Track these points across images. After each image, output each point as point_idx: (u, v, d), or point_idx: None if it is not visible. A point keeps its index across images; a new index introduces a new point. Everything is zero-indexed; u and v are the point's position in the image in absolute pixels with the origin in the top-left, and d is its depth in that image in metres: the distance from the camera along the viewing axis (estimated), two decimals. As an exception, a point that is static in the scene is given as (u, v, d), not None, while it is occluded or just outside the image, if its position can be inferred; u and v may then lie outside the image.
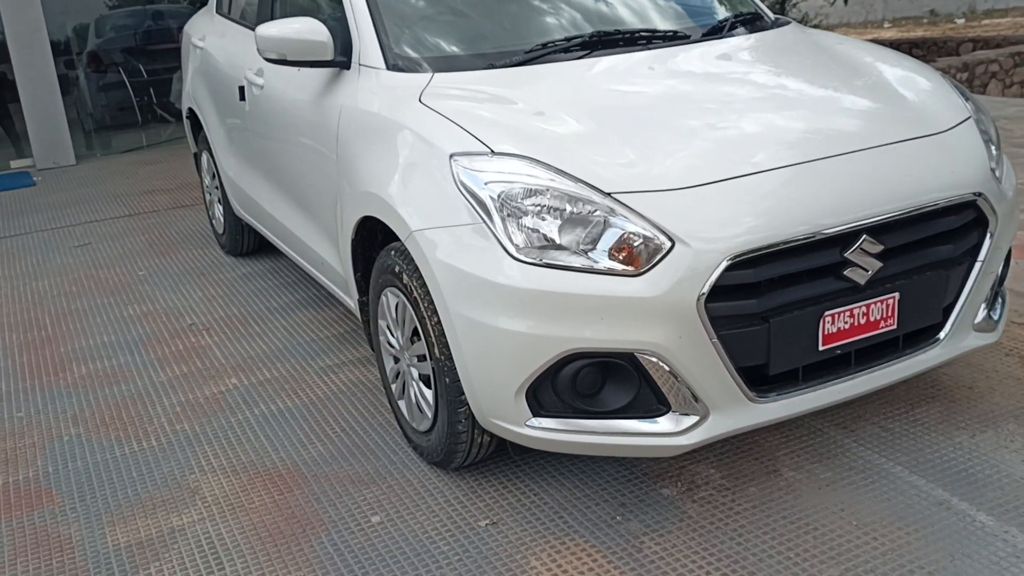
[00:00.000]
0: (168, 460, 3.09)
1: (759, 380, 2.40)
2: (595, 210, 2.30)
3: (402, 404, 2.97)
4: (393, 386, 3.02)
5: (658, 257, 2.25)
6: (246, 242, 5.00)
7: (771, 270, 2.31)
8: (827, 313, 2.38)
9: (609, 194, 2.31)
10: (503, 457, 2.87)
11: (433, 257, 2.47)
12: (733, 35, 3.23)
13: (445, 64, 2.93)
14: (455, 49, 3.06)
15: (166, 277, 4.94)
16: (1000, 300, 2.86)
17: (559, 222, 2.31)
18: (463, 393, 2.55)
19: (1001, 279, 2.81)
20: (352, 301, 3.25)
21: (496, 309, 2.35)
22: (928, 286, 2.52)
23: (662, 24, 3.27)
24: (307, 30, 3.03)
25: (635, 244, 2.27)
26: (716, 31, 3.23)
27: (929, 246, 2.53)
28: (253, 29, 4.09)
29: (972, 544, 2.37)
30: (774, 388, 2.42)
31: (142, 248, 5.52)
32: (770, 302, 2.33)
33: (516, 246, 2.32)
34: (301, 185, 3.53)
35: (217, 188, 4.98)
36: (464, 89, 2.76)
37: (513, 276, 2.32)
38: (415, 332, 2.72)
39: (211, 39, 4.74)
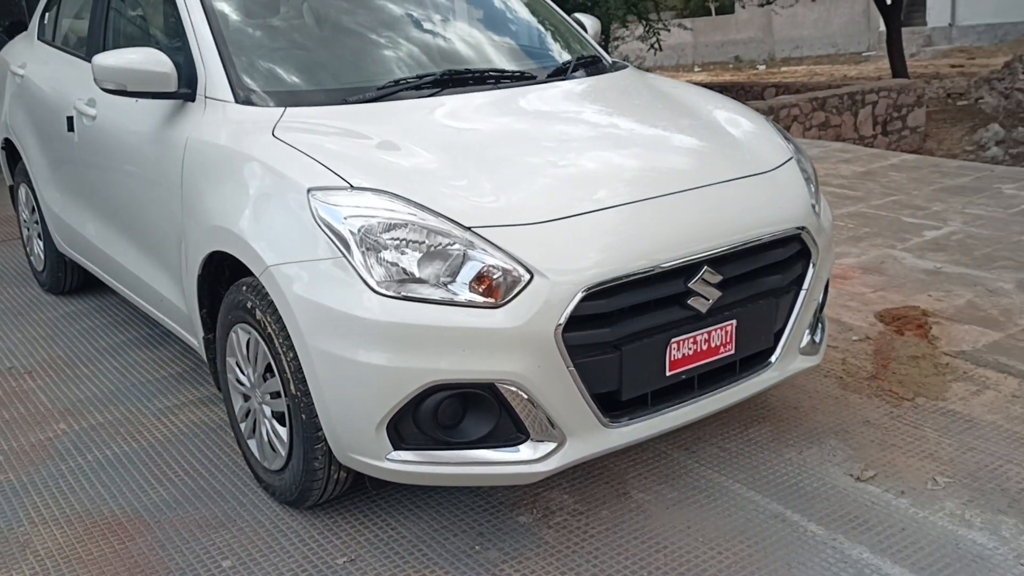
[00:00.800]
0: (-8, 513, 2.88)
1: (612, 406, 2.50)
2: (454, 243, 2.34)
3: (252, 443, 2.89)
4: (242, 425, 2.93)
5: (517, 289, 2.32)
6: (69, 279, 4.73)
7: (622, 300, 2.42)
8: (673, 340, 2.51)
9: (469, 228, 2.36)
10: (359, 492, 2.85)
11: (290, 292, 2.44)
12: (575, 77, 3.37)
13: (297, 99, 2.91)
14: (307, 84, 3.04)
15: (-22, 318, 4.60)
16: (820, 326, 3.10)
17: (419, 255, 2.34)
18: (320, 429, 2.52)
19: (822, 306, 3.06)
20: (196, 339, 3.14)
21: (356, 343, 2.35)
22: (761, 313, 2.71)
23: (509, 65, 3.39)
24: (149, 60, 2.94)
25: (495, 276, 2.32)
26: (560, 73, 3.37)
27: (761, 276, 2.72)
28: (82, 57, 3.93)
29: (806, 553, 2.55)
30: (626, 413, 2.53)
31: (-52, 287, 5.12)
32: (622, 331, 2.43)
33: (376, 280, 2.33)
34: (139, 219, 3.39)
35: (37, 223, 4.70)
36: (318, 124, 2.75)
37: (373, 309, 2.32)
38: (268, 369, 2.67)
39: (32, 67, 4.49)
